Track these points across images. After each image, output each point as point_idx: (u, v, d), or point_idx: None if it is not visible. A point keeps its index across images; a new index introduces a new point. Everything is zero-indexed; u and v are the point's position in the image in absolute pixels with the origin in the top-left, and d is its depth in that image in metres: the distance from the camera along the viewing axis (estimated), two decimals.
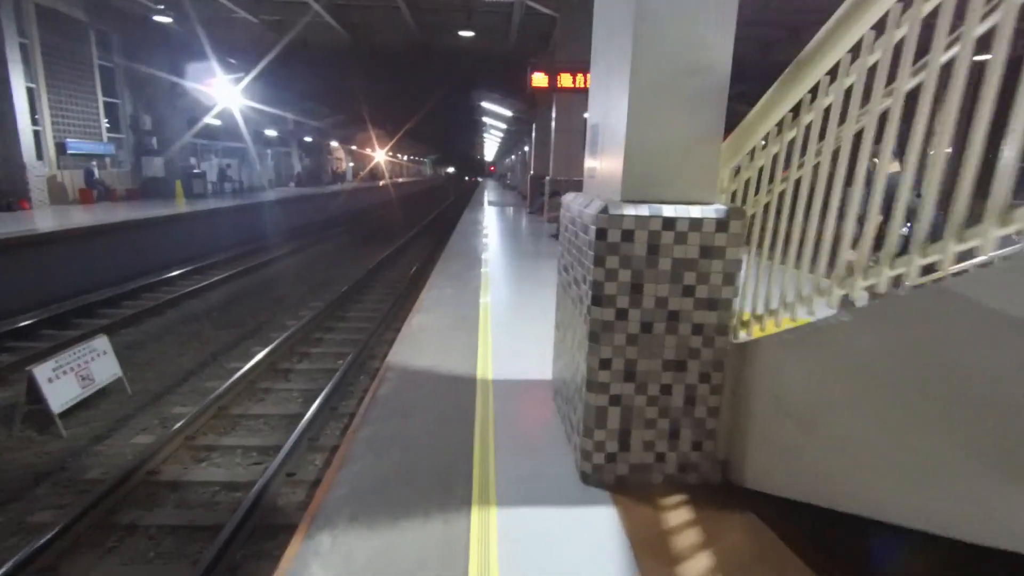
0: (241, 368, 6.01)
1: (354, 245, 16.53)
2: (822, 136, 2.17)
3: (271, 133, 27.12)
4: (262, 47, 18.48)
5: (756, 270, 2.57)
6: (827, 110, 2.15)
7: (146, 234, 12.21)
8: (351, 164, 51.55)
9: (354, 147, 46.08)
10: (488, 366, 4.06)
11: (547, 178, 14.35)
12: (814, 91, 2.23)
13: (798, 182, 2.28)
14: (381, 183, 51.48)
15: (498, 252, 9.31)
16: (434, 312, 5.40)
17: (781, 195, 2.43)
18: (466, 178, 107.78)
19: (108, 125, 16.99)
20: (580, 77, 7.91)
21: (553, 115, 13.85)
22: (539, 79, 7.92)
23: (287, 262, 13.38)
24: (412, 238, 17.96)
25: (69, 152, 15.30)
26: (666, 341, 2.43)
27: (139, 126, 18.16)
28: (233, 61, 18.11)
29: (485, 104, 21.22)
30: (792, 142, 2.37)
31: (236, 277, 11.09)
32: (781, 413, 2.14)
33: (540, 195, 16.46)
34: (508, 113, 21.24)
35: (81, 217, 11.86)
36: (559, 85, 7.81)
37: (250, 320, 8.45)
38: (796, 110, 2.34)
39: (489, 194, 34.86)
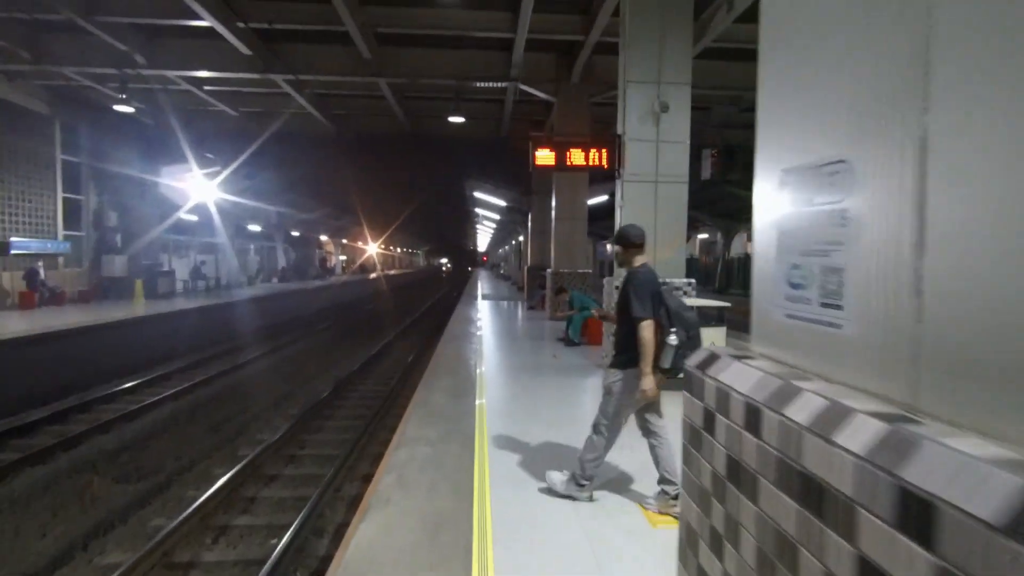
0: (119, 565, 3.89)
1: (331, 347, 14.56)
2: None
3: (254, 227, 25.99)
4: (242, 138, 17.60)
5: None
6: None
7: (76, 345, 10.25)
8: (343, 257, 50.77)
9: (344, 240, 45.32)
10: None
11: (548, 270, 12.77)
12: None
13: None
14: (372, 275, 50.43)
15: (497, 365, 7.40)
16: (397, 508, 3.22)
17: None
18: (457, 269, 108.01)
19: (66, 222, 15.55)
20: (595, 153, 6.41)
21: (553, 202, 12.53)
22: (544, 156, 6.43)
23: (248, 371, 11.33)
24: (399, 334, 16.02)
25: (13, 252, 13.68)
26: None
27: (103, 222, 16.75)
28: (210, 156, 17.11)
29: (477, 194, 20.24)
30: None
31: (172, 398, 9.00)
32: None
33: (539, 288, 14.85)
34: (501, 203, 20.24)
35: None
36: (569, 162, 6.29)
37: (169, 463, 6.32)
38: None
39: (483, 285, 33.47)
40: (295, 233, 32.64)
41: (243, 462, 5.87)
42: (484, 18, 10.09)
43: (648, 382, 2.95)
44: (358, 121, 17.34)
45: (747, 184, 1.73)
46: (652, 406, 3.20)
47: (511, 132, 16.63)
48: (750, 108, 13.92)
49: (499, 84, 12.23)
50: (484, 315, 13.92)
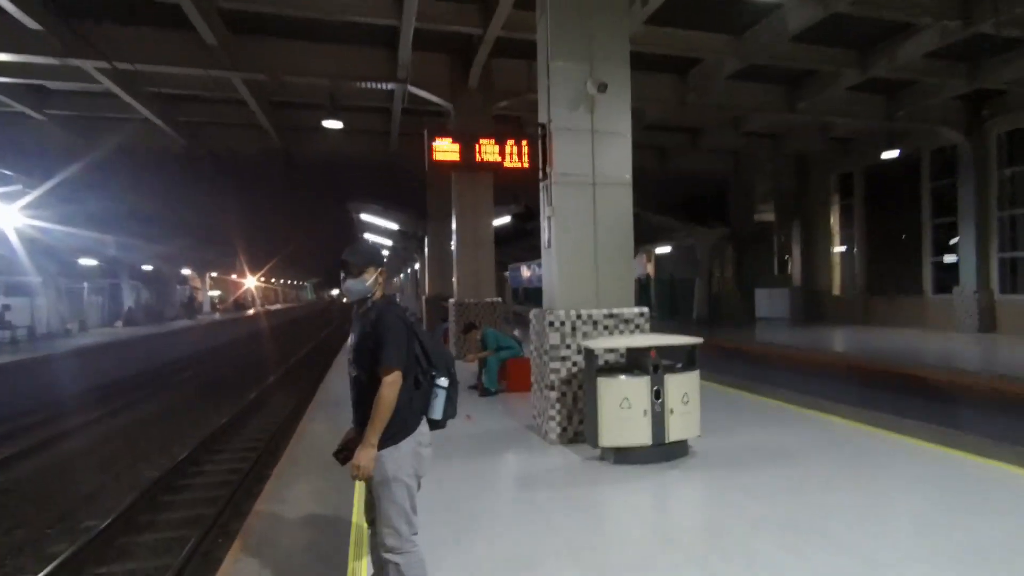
0: None
1: (171, 413, 11.45)
2: None
3: (88, 262, 21.43)
4: (63, 152, 14.07)
5: None
6: None
7: None
8: (216, 293, 45.06)
9: (214, 274, 40.14)
10: None
11: (451, 300, 10.97)
12: None
13: None
14: (250, 313, 45.18)
15: None
16: None
17: None
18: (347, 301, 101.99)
19: None
20: (512, 148, 4.83)
21: (454, 224, 10.83)
22: (445, 150, 4.72)
23: (39, 459, 8.18)
24: (265, 391, 13.02)
25: None
26: None
27: None
28: (8, 172, 13.38)
29: (365, 217, 18.01)
30: None
31: None
32: None
33: (441, 321, 12.95)
34: (393, 226, 18.19)
35: None
36: (479, 158, 4.64)
37: None
38: None
39: None
40: (147, 268, 27.81)
41: None
42: (359, 1, 8.29)
43: (368, 457, 2.15)
44: (217, 134, 14.55)
45: None
46: (394, 508, 2.19)
47: (401, 148, 14.76)
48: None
49: (384, 86, 10.41)
50: None
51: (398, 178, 16.78)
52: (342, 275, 2.30)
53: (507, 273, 27.49)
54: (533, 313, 5.14)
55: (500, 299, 10.92)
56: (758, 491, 3.70)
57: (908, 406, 7.83)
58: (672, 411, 4.12)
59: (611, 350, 4.66)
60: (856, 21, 9.45)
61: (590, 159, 4.92)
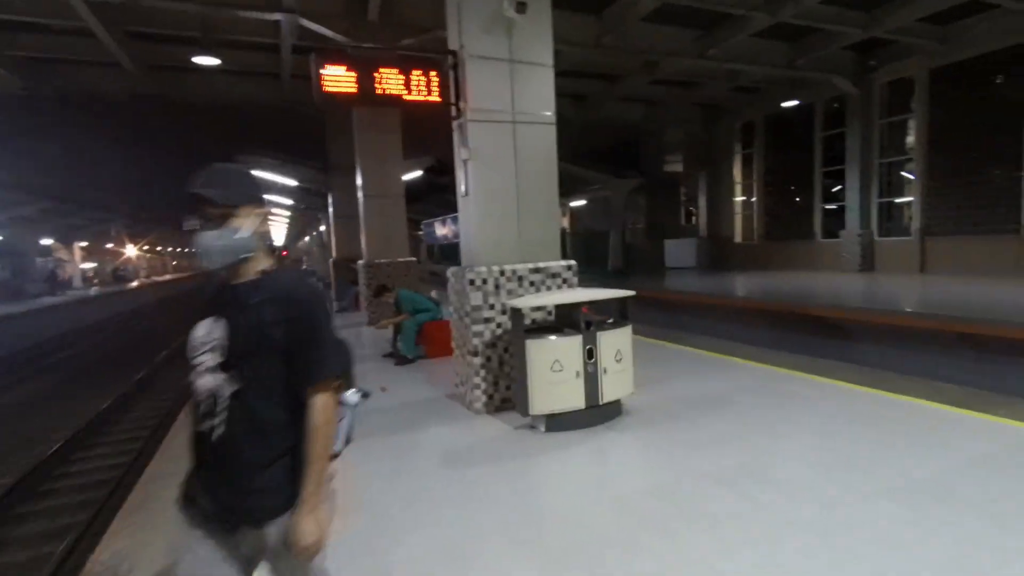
0: None
1: (33, 405, 9.89)
2: None
3: None
4: None
5: None
6: None
7: None
8: (89, 265, 40.05)
9: (84, 243, 35.51)
10: None
11: (360, 263, 10.11)
12: None
13: None
14: (134, 285, 40.73)
15: None
16: None
17: None
18: None
19: None
20: (419, 78, 4.16)
21: (359, 176, 9.87)
22: (337, 79, 3.96)
23: None
24: (141, 383, 11.30)
25: None
26: None
27: None
28: None
29: (257, 173, 16.22)
30: None
31: None
32: None
33: (351, 285, 12.06)
34: (291, 183, 16.57)
35: None
36: (380, 89, 3.93)
37: None
38: None
39: None
40: None
41: None
42: None
43: (310, 527, 1.38)
44: (67, 72, 12.21)
45: None
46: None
47: (296, 93, 13.22)
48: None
49: (268, 16, 9.02)
50: None
51: (296, 127, 15.16)
52: (193, 222, 1.41)
53: (421, 231, 26.39)
54: (451, 271, 4.59)
55: (415, 259, 10.21)
56: (701, 444, 3.53)
57: (814, 344, 8.25)
58: (606, 371, 3.82)
59: (539, 308, 4.25)
60: None
61: (509, 93, 4.34)
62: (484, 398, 4.34)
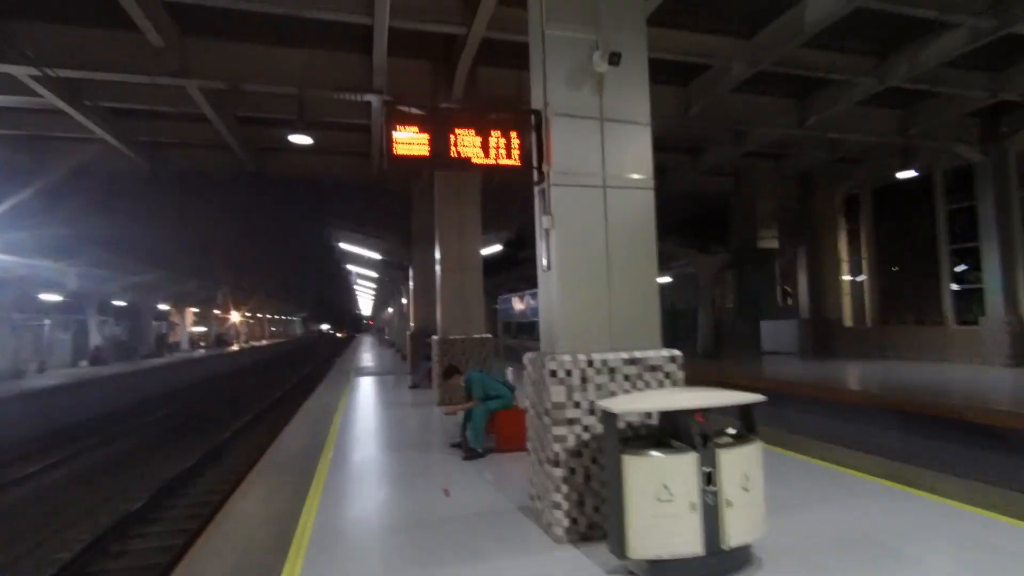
0: None
1: (114, 465, 9.99)
2: None
3: (50, 296, 19.95)
4: (14, 176, 12.86)
5: None
6: None
7: None
8: (199, 329, 43.30)
9: (194, 309, 38.57)
10: None
11: (434, 337, 9.68)
12: None
13: None
14: (234, 349, 43.42)
15: (339, 534, 4.06)
16: None
17: None
18: (338, 335, 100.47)
19: None
20: (498, 140, 3.69)
21: (437, 245, 9.66)
22: (409, 142, 3.55)
23: None
24: (222, 444, 11.52)
25: None
26: None
27: None
28: None
29: (345, 246, 16.80)
30: None
31: None
32: None
33: (424, 360, 11.63)
34: (376, 256, 16.96)
35: None
36: (455, 151, 3.47)
37: None
38: None
39: (363, 353, 29.26)
40: (119, 303, 26.29)
41: None
42: None
43: None
44: (182, 154, 13.41)
45: None
46: None
47: (383, 169, 13.67)
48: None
49: (359, 97, 9.34)
50: (349, 402, 10.34)
51: (382, 201, 15.66)
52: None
53: (498, 306, 26.10)
54: (528, 358, 3.88)
55: (490, 335, 9.64)
56: None
57: (981, 461, 6.57)
58: (730, 503, 2.85)
59: (638, 413, 3.40)
60: (878, 20, 8.60)
61: (599, 154, 3.76)
62: (566, 521, 3.45)
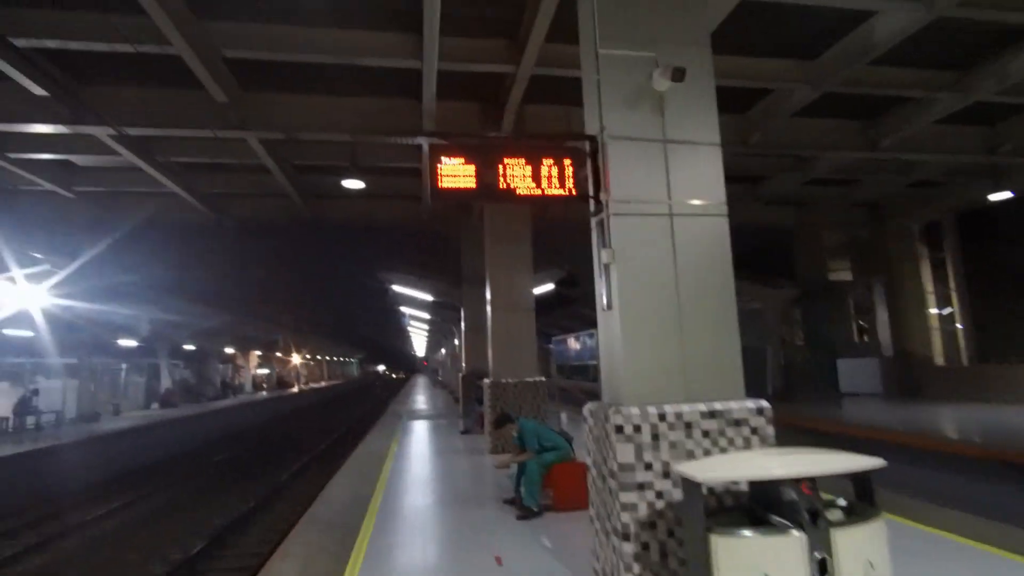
0: None
1: (173, 509, 10.02)
2: None
3: (126, 341, 21.09)
4: (90, 228, 13.76)
5: None
6: None
7: None
8: (261, 371, 44.88)
9: (258, 352, 40.01)
10: None
11: (486, 381, 9.30)
12: None
13: None
14: (294, 391, 44.60)
15: None
16: None
17: None
18: (393, 375, 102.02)
19: None
20: (550, 169, 3.39)
21: (488, 285, 9.41)
22: (455, 172, 3.29)
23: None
24: (276, 488, 11.49)
25: None
26: None
27: None
28: (38, 255, 13.08)
29: (397, 288, 16.92)
30: None
31: None
32: None
33: (476, 403, 11.25)
34: (428, 297, 16.98)
35: None
36: (504, 183, 3.16)
37: None
38: None
39: (417, 395, 29.20)
40: (188, 347, 27.54)
41: None
42: (373, 40, 7.37)
43: None
44: (242, 203, 14.00)
45: None
46: None
47: (435, 215, 13.76)
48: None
49: (409, 140, 9.43)
50: (400, 449, 10.03)
51: (433, 244, 15.74)
52: None
53: (551, 346, 25.47)
54: (589, 410, 3.42)
55: (543, 378, 9.17)
56: None
57: None
58: None
59: (725, 481, 2.87)
60: (958, 30, 7.92)
61: (664, 179, 3.37)
62: None
